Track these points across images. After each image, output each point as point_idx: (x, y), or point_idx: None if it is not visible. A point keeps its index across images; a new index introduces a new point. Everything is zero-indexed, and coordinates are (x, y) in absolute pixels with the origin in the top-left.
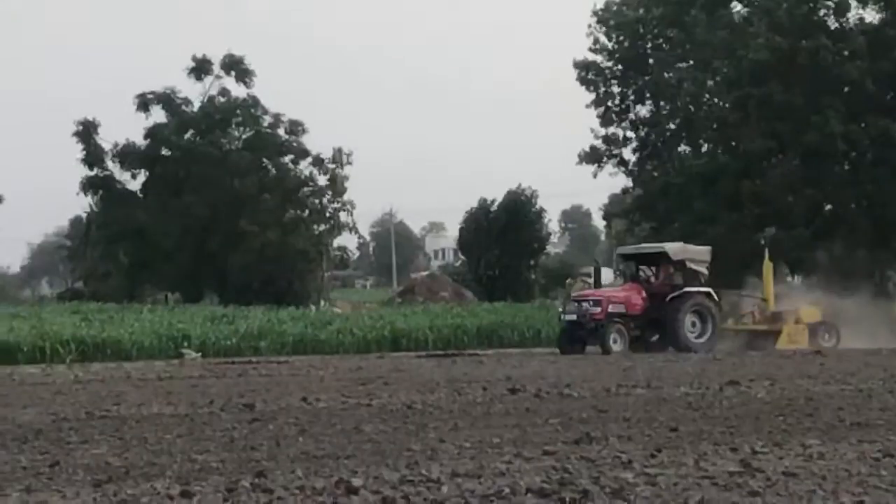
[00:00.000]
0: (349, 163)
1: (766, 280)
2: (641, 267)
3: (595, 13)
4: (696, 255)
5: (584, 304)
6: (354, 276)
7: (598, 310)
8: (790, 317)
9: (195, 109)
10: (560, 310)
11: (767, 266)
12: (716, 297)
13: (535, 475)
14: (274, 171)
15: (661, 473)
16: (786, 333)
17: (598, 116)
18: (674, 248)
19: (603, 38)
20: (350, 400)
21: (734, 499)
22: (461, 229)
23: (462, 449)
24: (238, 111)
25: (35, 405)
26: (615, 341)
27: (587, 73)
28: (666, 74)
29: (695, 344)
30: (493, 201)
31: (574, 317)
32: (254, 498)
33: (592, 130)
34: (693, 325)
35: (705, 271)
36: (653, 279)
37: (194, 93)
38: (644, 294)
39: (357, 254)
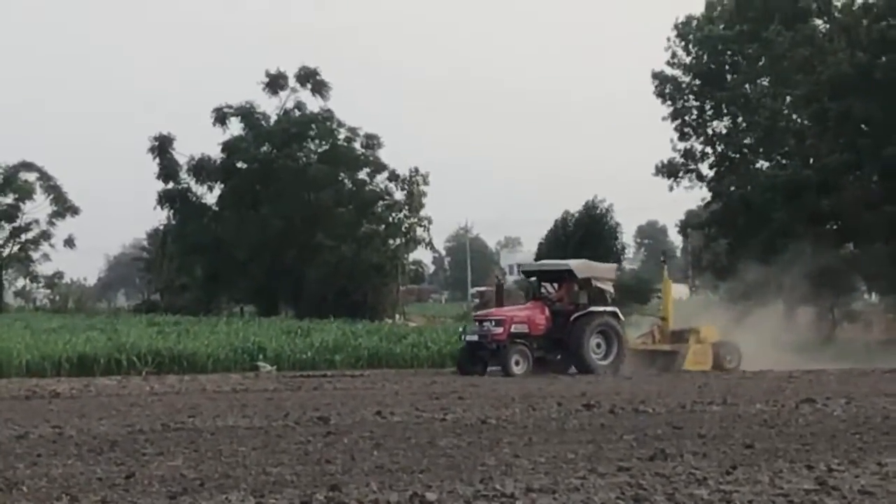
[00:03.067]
0: (426, 183)
1: (666, 298)
2: (544, 284)
3: (676, 27)
4: (602, 272)
5: (486, 324)
6: (429, 291)
7: (500, 330)
8: (692, 336)
9: (271, 123)
10: (461, 329)
11: (667, 283)
12: (621, 316)
13: (609, 491)
14: (350, 184)
15: (736, 491)
16: (692, 353)
17: (676, 130)
18: (578, 265)
19: (681, 52)
20: (424, 414)
21: None
22: (540, 244)
23: (536, 464)
24: (314, 124)
25: (111, 417)
26: (517, 363)
27: (664, 86)
28: (744, 88)
29: (599, 365)
30: (572, 215)
31: (475, 337)
32: None
33: (671, 142)
34: (598, 346)
35: (611, 289)
36: (557, 298)
37: (271, 107)
38: (547, 313)
39: (432, 268)
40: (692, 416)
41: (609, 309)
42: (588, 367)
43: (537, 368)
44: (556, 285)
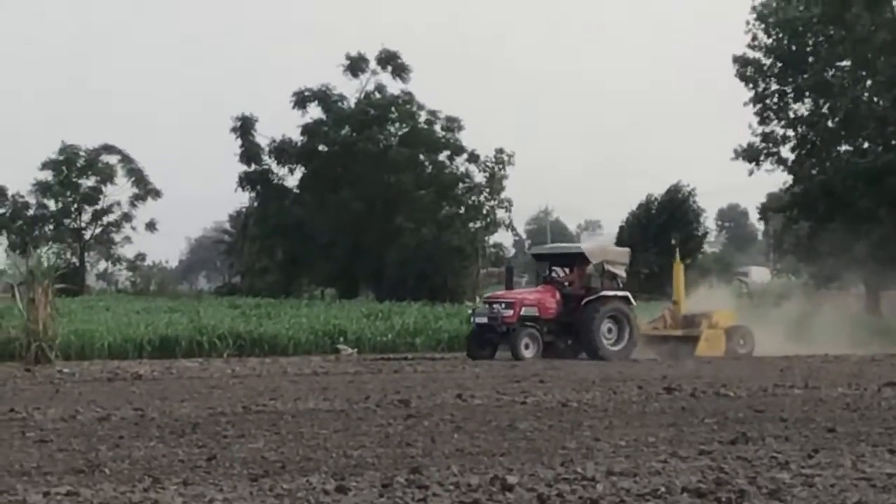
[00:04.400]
0: (511, 163)
1: (677, 282)
2: (555, 268)
3: (754, 9)
4: (615, 256)
5: (496, 307)
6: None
7: (511, 313)
8: (704, 320)
9: (351, 105)
10: (470, 311)
11: (678, 267)
12: (633, 301)
13: (690, 475)
14: (430, 167)
15: (819, 474)
16: (704, 339)
17: (756, 114)
18: (591, 249)
19: (762, 35)
20: (505, 397)
21: (892, 500)
22: (621, 227)
23: (617, 447)
24: (394, 107)
25: (192, 399)
26: (527, 346)
27: (746, 69)
28: (826, 72)
29: (610, 351)
30: (655, 199)
31: (485, 319)
32: (409, 494)
33: (750, 127)
34: (609, 331)
35: (624, 274)
36: (568, 281)
37: (350, 89)
38: (558, 297)
39: (513, 251)
40: (774, 400)
41: (620, 293)
42: (598, 352)
43: (547, 353)
44: (566, 270)
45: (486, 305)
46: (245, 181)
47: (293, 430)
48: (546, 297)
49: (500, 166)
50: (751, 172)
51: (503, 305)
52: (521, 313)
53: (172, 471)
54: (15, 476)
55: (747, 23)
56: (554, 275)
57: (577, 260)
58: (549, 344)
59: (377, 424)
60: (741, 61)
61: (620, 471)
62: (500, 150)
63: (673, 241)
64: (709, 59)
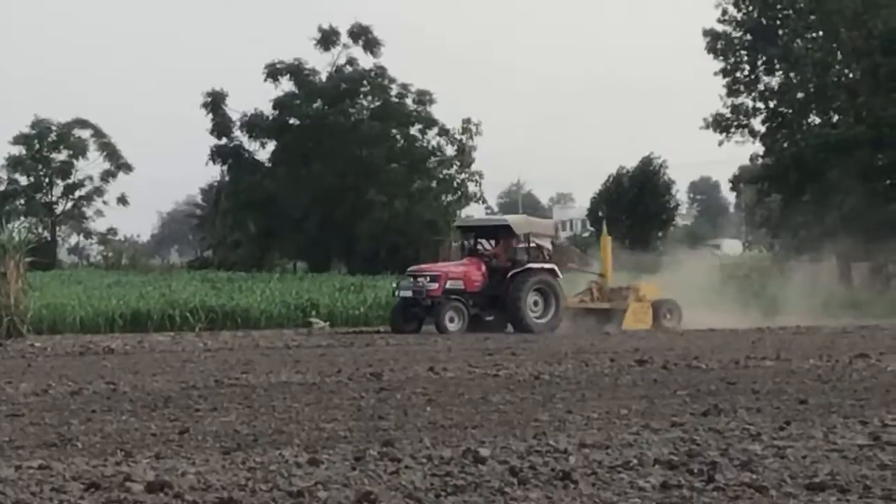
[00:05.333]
0: (478, 133)
1: (604, 255)
2: (481, 240)
3: None
4: (541, 228)
5: (421, 280)
6: None
7: (435, 286)
8: (631, 293)
9: (323, 79)
10: (394, 285)
11: (605, 239)
12: (559, 273)
13: (662, 447)
14: (402, 141)
15: (790, 446)
16: (631, 312)
17: (726, 86)
18: (517, 221)
19: (731, 9)
20: (477, 370)
21: (864, 472)
22: (592, 199)
23: (589, 420)
24: (366, 81)
25: (164, 373)
26: (452, 320)
27: (716, 42)
28: (795, 44)
29: (536, 323)
30: (626, 171)
31: (409, 293)
32: (381, 466)
33: (721, 98)
34: (535, 303)
35: (549, 246)
36: (494, 254)
37: (322, 63)
38: (484, 269)
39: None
40: (745, 372)
41: (547, 266)
42: (525, 325)
43: (473, 326)
44: (492, 242)
45: (411, 279)
46: (216, 155)
47: (265, 403)
48: (472, 270)
49: (468, 136)
50: (720, 143)
51: (428, 279)
52: (447, 286)
53: (144, 444)
54: None
55: None
56: (480, 247)
57: (502, 232)
58: (475, 317)
59: (349, 397)
60: (711, 34)
61: (592, 443)
62: (468, 121)
63: (600, 214)
64: (684, 29)
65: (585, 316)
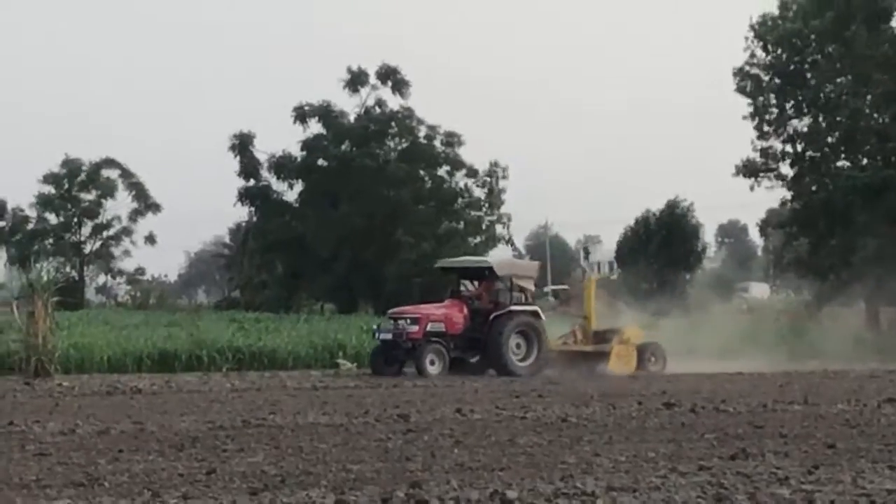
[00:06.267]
0: (504, 177)
1: (588, 297)
2: (464, 282)
3: (752, 27)
4: (524, 270)
5: (401, 322)
6: None
7: (416, 328)
8: (615, 336)
9: (351, 121)
10: (374, 327)
11: (590, 282)
12: (542, 315)
13: (690, 490)
14: (429, 182)
15: (818, 490)
16: (615, 355)
17: (756, 128)
18: (499, 263)
19: (760, 52)
20: (504, 412)
21: None
22: (619, 242)
23: (617, 463)
24: (394, 122)
25: (192, 413)
26: (433, 363)
27: (746, 84)
28: (825, 89)
29: (518, 367)
30: (654, 214)
31: (389, 336)
32: None
33: (752, 142)
34: (518, 346)
35: (532, 287)
36: (476, 296)
37: (350, 104)
38: (466, 312)
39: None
40: (773, 416)
41: (530, 308)
42: (507, 368)
43: (454, 369)
44: (475, 283)
45: (391, 321)
46: (244, 196)
47: (292, 444)
48: (453, 312)
49: (495, 179)
50: (751, 188)
51: (408, 321)
52: (427, 329)
53: (172, 484)
54: (14, 489)
55: (746, 38)
56: (462, 289)
57: (485, 274)
58: (456, 359)
59: (376, 439)
60: (741, 74)
61: (620, 486)
62: (495, 164)
63: (585, 255)
64: (710, 73)
65: (569, 359)
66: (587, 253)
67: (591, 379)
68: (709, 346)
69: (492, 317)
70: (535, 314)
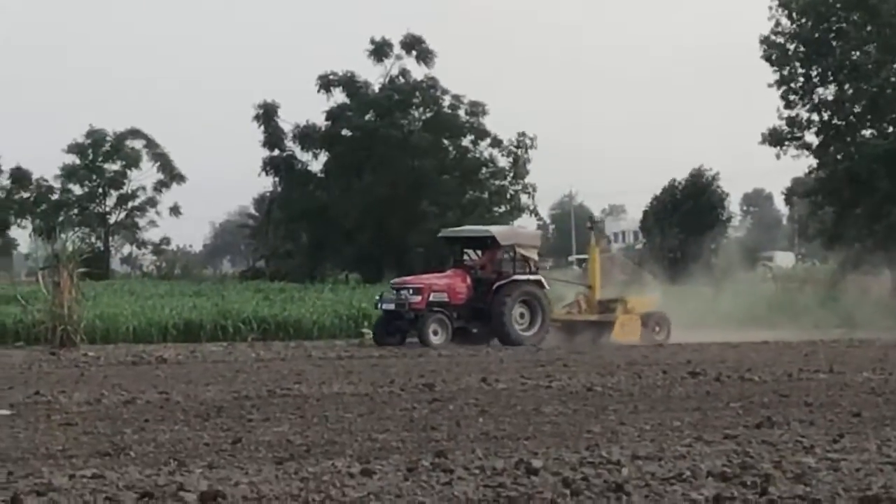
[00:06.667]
0: (533, 147)
1: (593, 266)
2: (467, 251)
3: None
4: (526, 239)
5: (403, 293)
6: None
7: (419, 298)
8: (619, 306)
9: (375, 90)
10: (377, 297)
11: (594, 250)
12: (546, 284)
13: (715, 459)
14: (454, 152)
15: (844, 459)
16: (619, 324)
17: (782, 97)
18: (501, 232)
19: (785, 21)
20: (529, 381)
21: None
22: (645, 211)
23: (642, 432)
24: (418, 92)
25: (217, 383)
26: (436, 333)
27: (771, 52)
28: (851, 56)
29: (522, 336)
30: (679, 183)
31: (392, 306)
32: (434, 477)
33: (778, 111)
34: (521, 315)
35: (536, 257)
36: (479, 265)
37: (374, 74)
38: (469, 281)
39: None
40: (798, 385)
41: (533, 277)
42: (510, 337)
43: (458, 339)
44: (478, 253)
45: (394, 292)
46: (269, 166)
47: (318, 413)
48: (456, 282)
49: (523, 149)
50: (777, 157)
51: (411, 291)
52: (430, 299)
53: (197, 454)
54: (41, 459)
55: (770, 8)
56: (465, 258)
57: (487, 243)
58: (459, 329)
59: (402, 408)
60: (767, 43)
61: (645, 455)
62: (522, 134)
63: (589, 226)
64: (737, 39)
65: (573, 328)
66: (592, 223)
67: (610, 348)
68: (733, 315)
69: (495, 286)
70: (538, 283)
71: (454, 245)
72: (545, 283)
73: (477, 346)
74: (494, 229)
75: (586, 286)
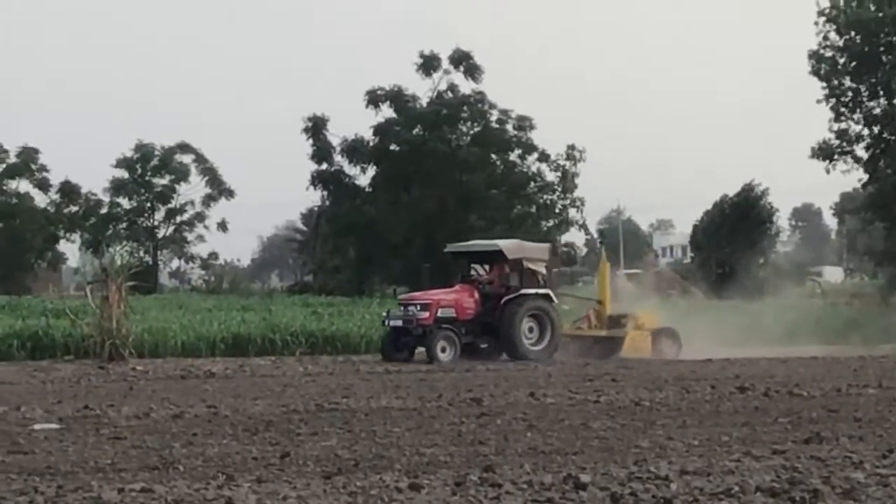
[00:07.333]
0: (581, 160)
1: (602, 281)
2: (474, 266)
3: (821, 13)
4: (534, 253)
5: (411, 308)
6: (582, 273)
7: (426, 314)
8: (629, 321)
9: (423, 105)
10: (384, 314)
11: (604, 265)
12: (555, 299)
13: (764, 474)
14: (501, 166)
15: (893, 474)
16: (630, 340)
17: (832, 109)
18: (509, 246)
19: (833, 35)
20: (577, 396)
21: None
22: (694, 226)
23: (690, 447)
24: (466, 107)
25: (265, 397)
26: (444, 350)
27: (820, 66)
28: None
29: (532, 351)
30: (730, 198)
31: (399, 322)
32: (482, 492)
33: (828, 123)
34: (530, 330)
35: (544, 271)
36: (487, 280)
37: (423, 89)
38: (477, 296)
39: (585, 250)
40: (847, 400)
41: (542, 291)
42: (519, 352)
43: (467, 354)
44: (486, 267)
45: (402, 308)
46: (317, 180)
47: (366, 427)
48: (464, 297)
49: (572, 163)
50: (827, 171)
51: (418, 307)
52: (438, 315)
53: (246, 468)
54: (90, 473)
55: (816, 24)
56: (473, 273)
57: (495, 258)
58: (468, 345)
59: (450, 423)
60: (816, 57)
61: (694, 470)
62: (572, 147)
63: (599, 241)
64: (784, 55)
65: (584, 343)
66: (602, 240)
67: (658, 363)
68: (782, 331)
69: (503, 301)
70: (547, 297)
71: (461, 260)
72: (554, 298)
73: (487, 361)
74: (502, 243)
75: (597, 302)
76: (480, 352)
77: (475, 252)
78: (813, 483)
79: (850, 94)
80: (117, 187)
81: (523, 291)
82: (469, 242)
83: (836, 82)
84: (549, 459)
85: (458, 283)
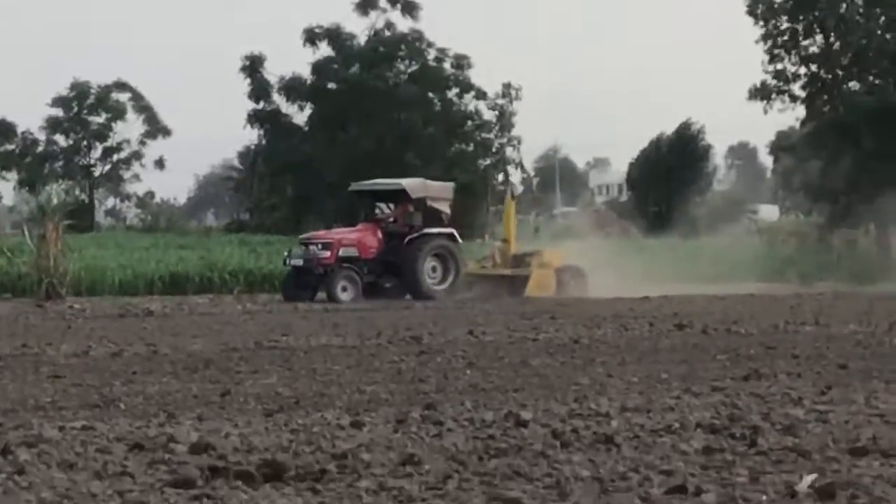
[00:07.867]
0: (518, 98)
1: (508, 220)
2: (378, 205)
3: None
4: (438, 192)
5: (312, 248)
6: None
7: (328, 254)
8: (534, 260)
9: (361, 44)
10: (286, 253)
11: (509, 204)
12: (458, 238)
13: (704, 411)
14: (439, 105)
15: (832, 411)
16: (534, 279)
17: (767, 51)
18: (412, 185)
19: None
20: (516, 334)
21: None
22: (631, 164)
23: (630, 384)
24: (403, 45)
25: (204, 335)
26: (344, 289)
27: (757, 6)
28: (839, 8)
29: (435, 291)
30: (667, 137)
31: (300, 262)
32: (423, 429)
33: (762, 64)
34: (433, 269)
35: (448, 210)
36: (390, 219)
37: (361, 27)
38: (380, 235)
39: (521, 189)
40: (785, 337)
41: (445, 231)
42: (422, 291)
43: (370, 293)
44: (390, 206)
45: (303, 247)
46: (254, 119)
47: (306, 365)
48: (367, 236)
49: (508, 100)
50: (765, 111)
51: (319, 246)
52: (339, 254)
53: (187, 406)
54: (30, 411)
55: None
56: (377, 212)
57: (399, 196)
58: (371, 284)
59: (389, 361)
60: None
61: (634, 406)
62: (507, 85)
63: (504, 179)
64: None
65: (487, 282)
66: (513, 193)
67: (597, 302)
68: (718, 269)
69: (406, 240)
70: (450, 237)
71: (366, 199)
72: (457, 237)
73: (391, 300)
74: (405, 182)
75: (502, 240)
76: (384, 291)
77: (379, 191)
78: (752, 419)
79: (787, 34)
80: (53, 126)
81: (426, 231)
82: (373, 181)
83: (773, 22)
84: (489, 397)
85: (361, 223)
